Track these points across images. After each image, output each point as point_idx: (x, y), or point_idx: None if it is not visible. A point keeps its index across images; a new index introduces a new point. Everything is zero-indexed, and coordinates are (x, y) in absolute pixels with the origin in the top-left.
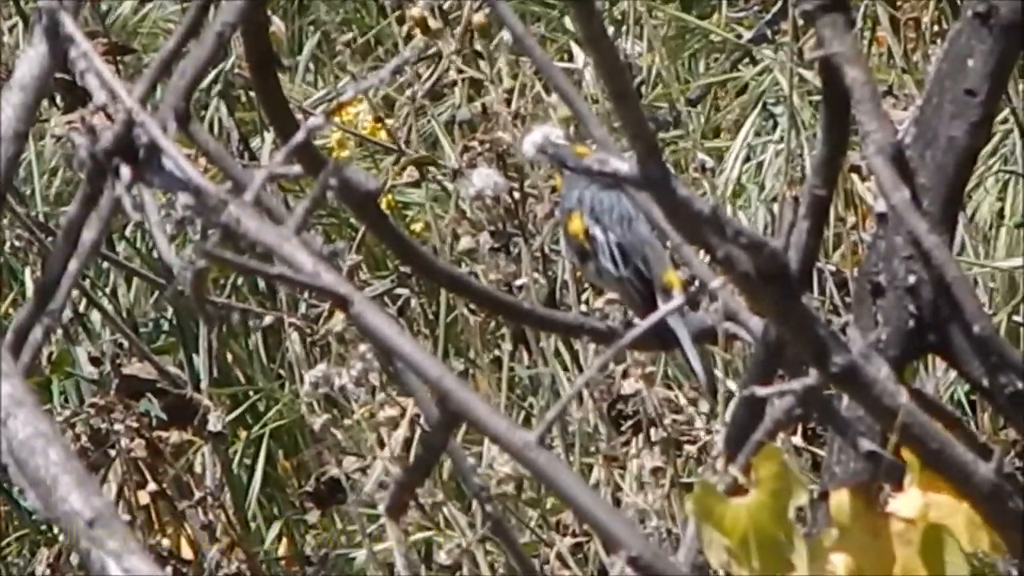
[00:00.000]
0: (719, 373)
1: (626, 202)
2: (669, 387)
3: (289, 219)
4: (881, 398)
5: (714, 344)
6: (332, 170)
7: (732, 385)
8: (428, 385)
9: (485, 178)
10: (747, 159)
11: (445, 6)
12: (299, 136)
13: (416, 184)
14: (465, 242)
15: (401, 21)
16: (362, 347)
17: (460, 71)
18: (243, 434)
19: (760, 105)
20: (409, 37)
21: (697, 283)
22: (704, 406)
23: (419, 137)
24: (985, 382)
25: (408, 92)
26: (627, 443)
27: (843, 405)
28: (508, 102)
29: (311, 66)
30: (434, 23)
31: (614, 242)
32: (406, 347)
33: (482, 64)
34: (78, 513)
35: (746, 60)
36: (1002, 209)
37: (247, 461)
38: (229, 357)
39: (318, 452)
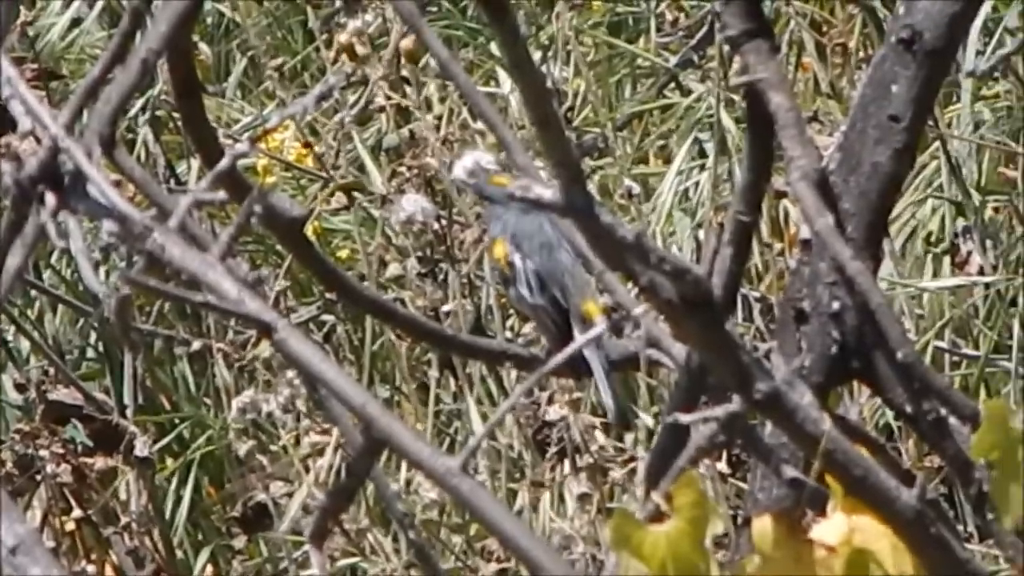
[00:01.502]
0: (643, 400)
1: (548, 229)
2: (595, 413)
3: (214, 246)
4: (804, 425)
5: (637, 371)
6: (257, 196)
7: (647, 418)
8: (352, 412)
9: (414, 203)
10: (679, 174)
11: (372, 31)
12: (224, 163)
13: (344, 209)
14: (393, 268)
15: (329, 46)
16: (289, 373)
17: (388, 97)
18: (170, 461)
19: (691, 131)
20: (336, 62)
21: (621, 310)
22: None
23: (346, 162)
24: (908, 408)
25: (336, 118)
26: (553, 469)
27: (766, 432)
28: (437, 128)
29: (238, 92)
30: (362, 49)
31: (531, 269)
32: (330, 373)
33: (409, 90)
34: (1, 540)
35: (672, 86)
36: (929, 235)
37: (173, 487)
38: (154, 384)
39: (244, 477)
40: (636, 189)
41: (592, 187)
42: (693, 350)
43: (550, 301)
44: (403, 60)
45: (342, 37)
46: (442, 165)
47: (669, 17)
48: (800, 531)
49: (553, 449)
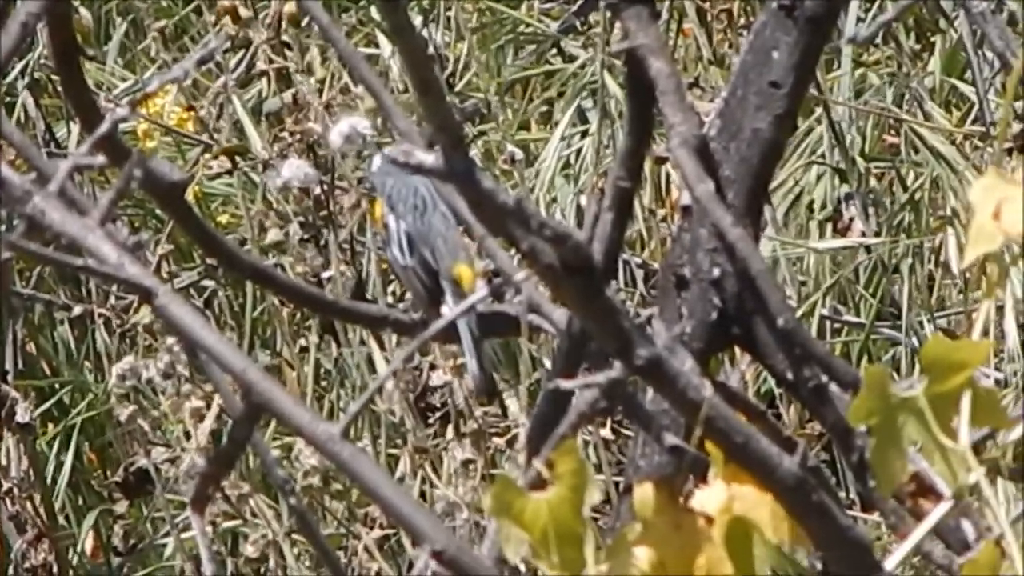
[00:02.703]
0: (525, 366)
1: (424, 191)
2: None
3: (94, 210)
4: (685, 391)
5: (518, 336)
6: (137, 161)
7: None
8: (233, 377)
9: (295, 169)
10: (562, 139)
11: None
12: (104, 127)
13: (227, 174)
14: (273, 234)
15: (211, 8)
16: (170, 339)
17: (271, 60)
18: (51, 426)
19: (575, 98)
20: (217, 25)
21: (502, 275)
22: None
23: (228, 126)
24: (789, 375)
25: (218, 82)
26: (436, 435)
27: (647, 399)
28: (319, 92)
29: (118, 57)
30: (245, 12)
31: (403, 230)
32: (209, 339)
33: (290, 54)
34: None
35: (554, 52)
36: (811, 202)
37: (54, 453)
38: (35, 349)
39: (125, 441)
40: (519, 155)
41: (475, 153)
42: (574, 316)
43: (420, 263)
44: (285, 24)
45: (224, 0)
46: (324, 130)
47: None
48: (681, 498)
49: (437, 415)
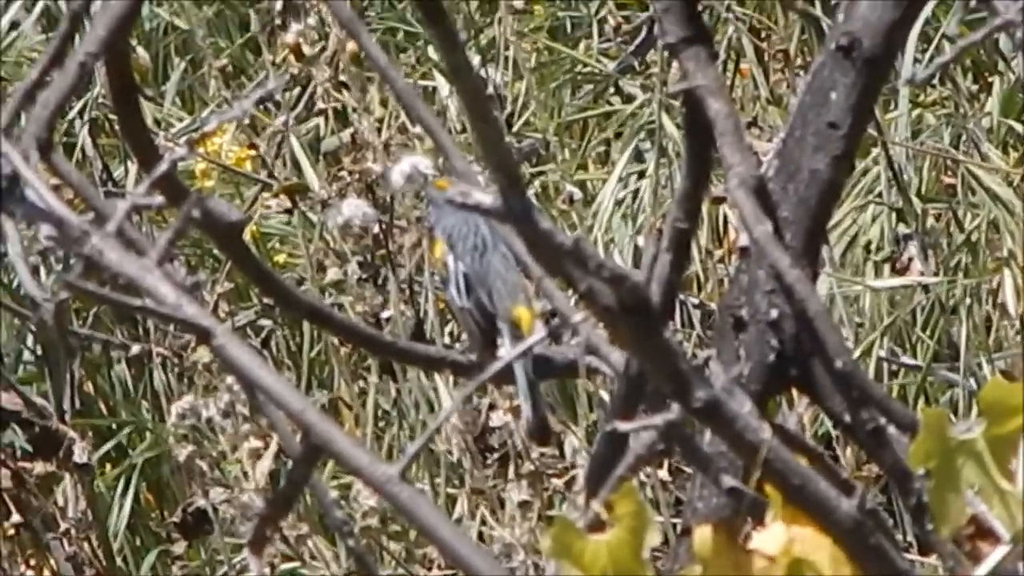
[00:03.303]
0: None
1: (485, 231)
2: None
3: (152, 250)
4: (743, 433)
5: (575, 377)
6: (195, 201)
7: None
8: (291, 418)
9: (354, 208)
10: (620, 180)
11: (312, 35)
12: (162, 167)
13: (287, 213)
14: (332, 273)
15: (270, 47)
16: (229, 378)
17: (332, 98)
18: (108, 466)
19: (633, 139)
20: (277, 63)
21: (559, 317)
22: (572, 440)
23: (285, 164)
24: (847, 417)
25: (278, 120)
26: (494, 476)
27: (706, 440)
28: (378, 131)
29: (176, 97)
30: (308, 49)
31: (462, 271)
32: (267, 379)
33: (347, 94)
34: None
35: (612, 91)
36: (869, 243)
37: (113, 492)
38: (92, 387)
39: (182, 481)
40: (577, 194)
41: (532, 192)
42: (632, 357)
43: (476, 304)
44: (345, 63)
45: (288, 37)
46: (385, 169)
47: (612, 23)
48: (740, 541)
49: (495, 455)
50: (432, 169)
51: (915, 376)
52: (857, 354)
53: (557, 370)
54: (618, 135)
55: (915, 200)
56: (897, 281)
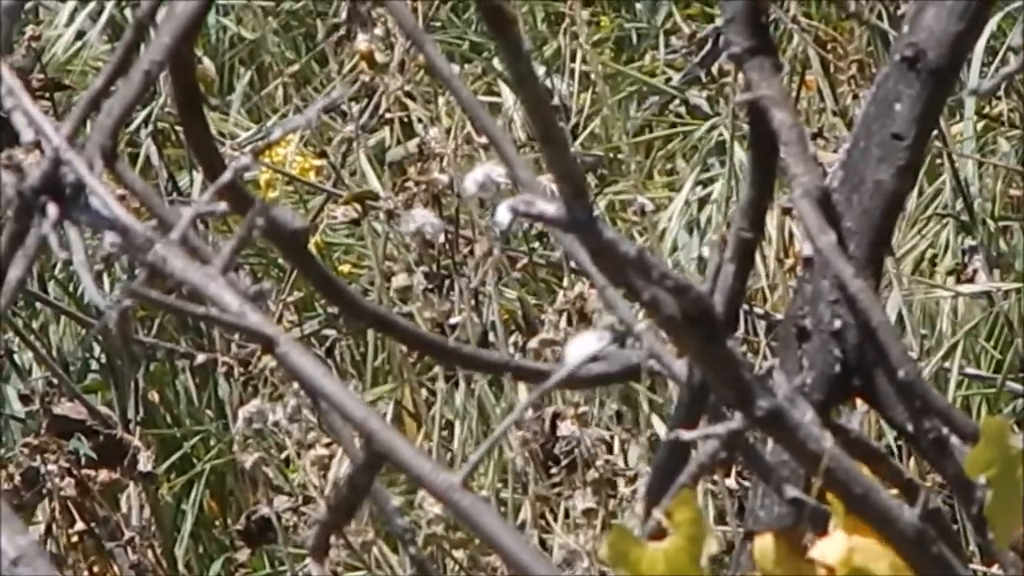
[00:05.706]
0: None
1: None
2: (606, 427)
3: (216, 258)
4: (805, 442)
5: (638, 382)
6: (259, 209)
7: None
8: (353, 426)
9: (423, 218)
10: (686, 204)
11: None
12: (226, 175)
13: (353, 223)
14: (399, 280)
15: (336, 56)
16: (293, 385)
17: (402, 108)
18: (173, 474)
19: (702, 160)
20: (344, 71)
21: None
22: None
23: (351, 174)
24: (909, 427)
25: (347, 130)
26: (560, 484)
27: (768, 450)
28: (445, 142)
29: (242, 108)
30: (381, 57)
31: None
32: (330, 387)
33: (413, 104)
34: (2, 552)
35: (677, 102)
36: (934, 256)
37: (176, 500)
38: (156, 396)
39: (246, 489)
40: (649, 206)
41: (602, 203)
42: (695, 367)
43: None
44: (413, 73)
45: (360, 45)
46: (456, 180)
47: (687, 30)
48: (801, 550)
49: (563, 463)
50: (504, 177)
51: (979, 387)
52: (932, 366)
53: (620, 373)
54: (686, 156)
55: (976, 210)
56: (966, 288)
